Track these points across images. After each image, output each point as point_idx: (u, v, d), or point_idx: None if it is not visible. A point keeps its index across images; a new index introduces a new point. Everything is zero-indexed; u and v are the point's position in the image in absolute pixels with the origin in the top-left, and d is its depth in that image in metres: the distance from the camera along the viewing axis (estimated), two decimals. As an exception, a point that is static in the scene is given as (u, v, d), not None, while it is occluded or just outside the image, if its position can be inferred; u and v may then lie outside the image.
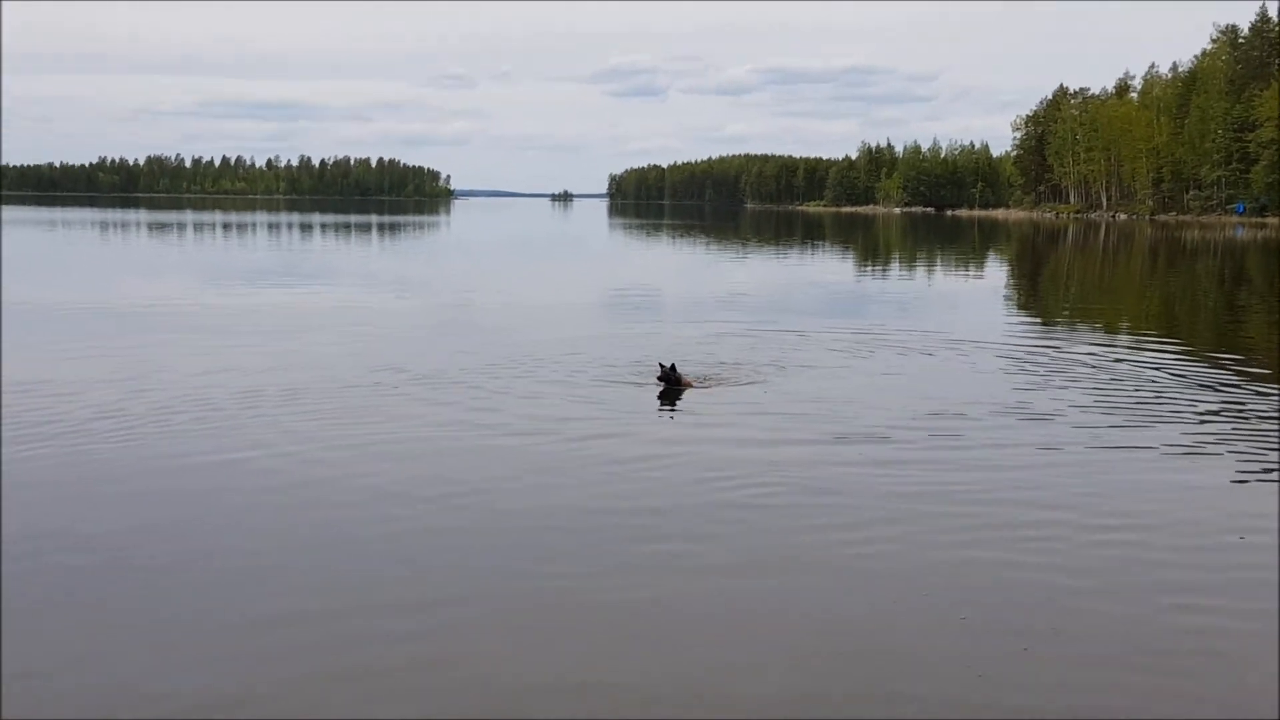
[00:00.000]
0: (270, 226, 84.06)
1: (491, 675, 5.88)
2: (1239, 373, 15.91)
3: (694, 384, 13.52)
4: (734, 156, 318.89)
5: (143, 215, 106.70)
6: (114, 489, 9.33)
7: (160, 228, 76.57)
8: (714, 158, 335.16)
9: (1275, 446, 11.16)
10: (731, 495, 9.18)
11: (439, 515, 8.66)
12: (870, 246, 64.24)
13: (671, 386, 13.10)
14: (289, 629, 6.43)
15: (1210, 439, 11.60)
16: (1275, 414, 12.83)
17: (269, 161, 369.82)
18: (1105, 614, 6.72)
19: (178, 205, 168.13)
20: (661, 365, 13.25)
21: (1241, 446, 11.23)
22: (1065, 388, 14.63)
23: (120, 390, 13.39)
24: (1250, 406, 13.30)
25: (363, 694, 5.63)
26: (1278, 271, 42.98)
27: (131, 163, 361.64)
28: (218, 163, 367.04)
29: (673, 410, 12.74)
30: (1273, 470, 10.30)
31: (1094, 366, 16.54)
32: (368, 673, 5.82)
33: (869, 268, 44.66)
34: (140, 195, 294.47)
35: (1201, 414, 12.93)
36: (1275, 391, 14.35)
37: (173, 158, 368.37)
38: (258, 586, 7.13)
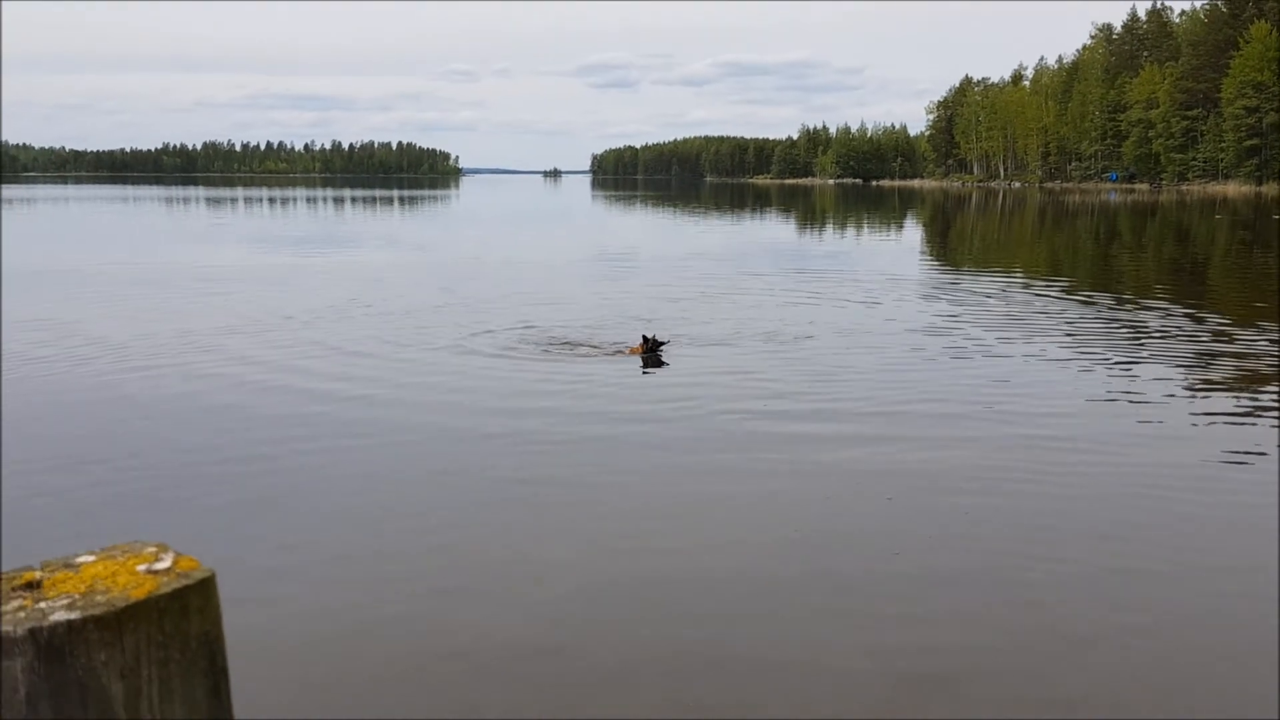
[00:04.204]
0: (308, 200, 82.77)
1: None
2: (1103, 299, 16.04)
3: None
4: (696, 138, 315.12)
5: (200, 191, 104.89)
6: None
7: (215, 202, 75.30)
8: (679, 139, 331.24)
9: (1125, 344, 11.32)
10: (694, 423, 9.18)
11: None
12: (811, 212, 63.91)
13: (652, 354, 11.41)
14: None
15: (1084, 344, 11.74)
16: (1129, 323, 13.08)
17: (306, 146, 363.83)
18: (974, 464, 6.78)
19: (230, 184, 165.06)
20: (645, 338, 11.57)
21: (1101, 345, 11.36)
22: (968, 311, 14.78)
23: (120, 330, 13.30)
24: (1108, 317, 13.49)
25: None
26: (1141, 227, 43.22)
27: (191, 148, 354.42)
28: (264, 147, 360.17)
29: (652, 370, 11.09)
30: (1121, 361, 10.42)
31: (990, 297, 16.71)
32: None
33: (811, 228, 44.48)
34: (198, 175, 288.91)
35: (1072, 327, 13.26)
36: (1127, 308, 14.49)
37: (225, 143, 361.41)
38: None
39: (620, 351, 11.84)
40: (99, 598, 0.93)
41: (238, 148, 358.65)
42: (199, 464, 7.49)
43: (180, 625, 0.95)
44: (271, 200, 79.41)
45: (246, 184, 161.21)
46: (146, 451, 7.87)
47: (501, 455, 7.76)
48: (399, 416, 8.93)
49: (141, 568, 0.97)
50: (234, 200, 78.34)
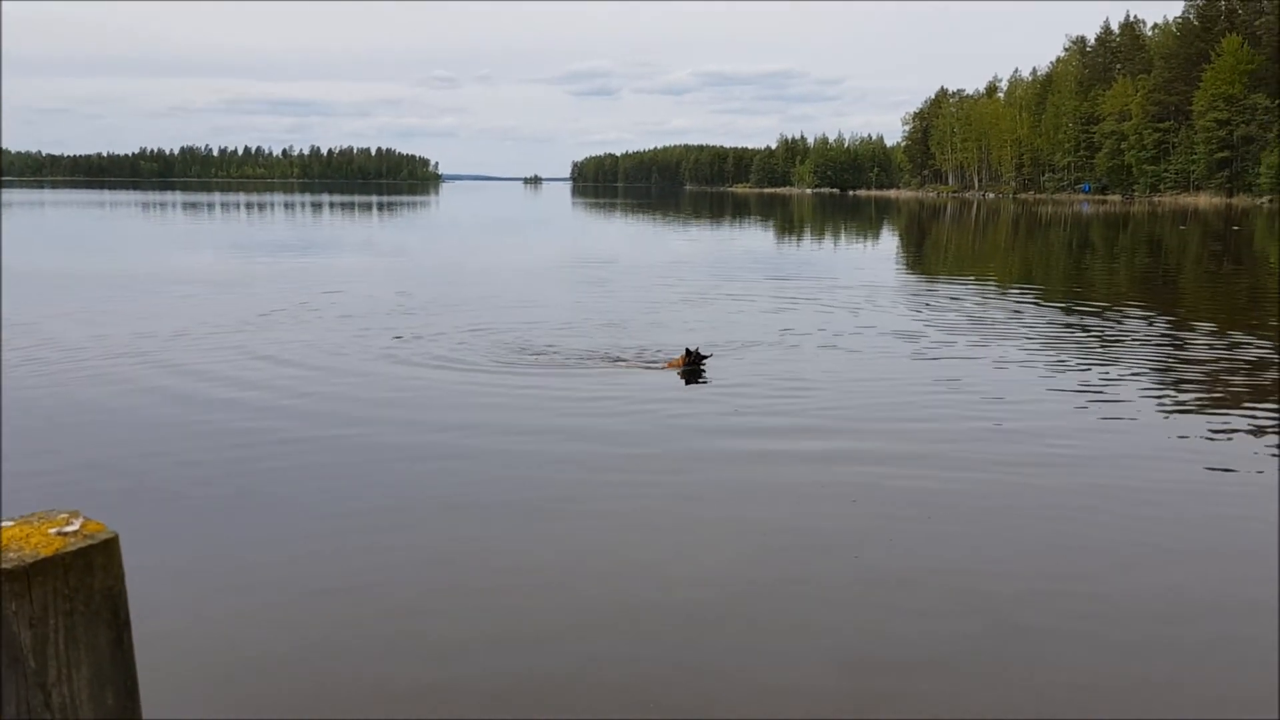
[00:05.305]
0: (285, 205, 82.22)
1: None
2: (1072, 306, 16.17)
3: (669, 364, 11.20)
4: (676, 146, 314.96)
5: (177, 196, 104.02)
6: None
7: (191, 207, 74.65)
8: (659, 147, 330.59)
9: (1092, 349, 11.39)
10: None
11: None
12: (789, 221, 64.13)
13: (693, 367, 10.83)
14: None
15: (1051, 349, 11.81)
16: (1094, 329, 13.18)
17: (284, 151, 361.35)
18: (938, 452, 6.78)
19: (207, 189, 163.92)
20: (688, 350, 10.99)
21: (1067, 351, 11.43)
22: (943, 317, 14.90)
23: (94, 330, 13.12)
24: (1076, 324, 13.56)
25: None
26: (1114, 238, 43.68)
27: (168, 152, 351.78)
28: (241, 152, 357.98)
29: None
30: (1087, 366, 10.48)
31: (962, 304, 16.81)
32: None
33: (789, 237, 44.67)
34: (176, 180, 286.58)
35: (1040, 333, 13.31)
36: (1094, 317, 14.61)
37: (203, 148, 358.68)
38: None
39: (655, 365, 11.30)
40: (11, 554, 1.02)
41: (215, 153, 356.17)
42: (131, 460, 7.38)
43: (85, 580, 1.04)
44: (249, 205, 78.81)
45: (224, 189, 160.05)
46: (80, 448, 7.74)
47: (487, 465, 7.71)
48: (403, 424, 8.86)
49: (53, 530, 1.06)
50: (210, 205, 77.65)
